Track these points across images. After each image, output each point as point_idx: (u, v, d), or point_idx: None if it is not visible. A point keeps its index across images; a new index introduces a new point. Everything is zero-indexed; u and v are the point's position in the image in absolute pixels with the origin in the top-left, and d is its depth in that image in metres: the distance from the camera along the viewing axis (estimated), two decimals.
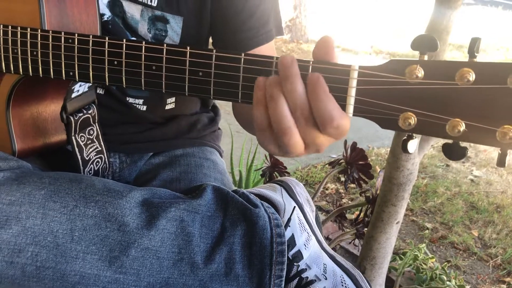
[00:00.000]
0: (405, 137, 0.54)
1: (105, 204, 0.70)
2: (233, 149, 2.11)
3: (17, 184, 0.69)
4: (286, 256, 0.71)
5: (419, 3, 8.30)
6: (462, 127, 0.48)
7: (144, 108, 0.99)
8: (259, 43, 0.92)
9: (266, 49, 0.93)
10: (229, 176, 1.06)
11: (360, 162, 1.59)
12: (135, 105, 0.98)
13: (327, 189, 2.73)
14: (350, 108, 0.54)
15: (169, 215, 0.71)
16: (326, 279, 0.75)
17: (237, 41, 0.92)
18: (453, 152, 0.51)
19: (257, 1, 0.90)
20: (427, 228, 2.45)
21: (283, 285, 0.71)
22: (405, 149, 0.53)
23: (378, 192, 1.53)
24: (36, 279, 0.67)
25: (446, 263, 1.94)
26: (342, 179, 2.58)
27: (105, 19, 0.90)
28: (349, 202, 2.57)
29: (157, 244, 0.69)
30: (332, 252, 0.81)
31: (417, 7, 8.40)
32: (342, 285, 0.74)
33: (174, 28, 0.91)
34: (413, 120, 0.51)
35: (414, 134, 0.53)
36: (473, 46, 0.48)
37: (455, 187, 2.93)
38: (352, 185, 1.78)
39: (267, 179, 1.75)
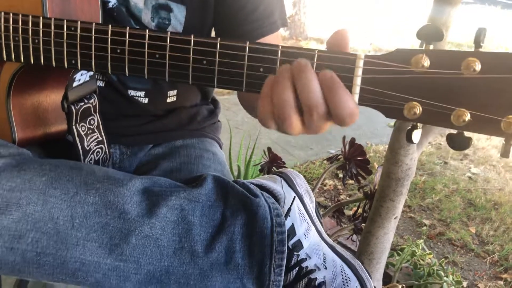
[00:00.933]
0: (409, 127, 0.54)
1: (106, 191, 0.70)
2: (232, 145, 2.12)
3: (18, 170, 0.69)
4: (286, 245, 0.71)
5: (421, 0, 8.30)
6: (467, 117, 0.48)
7: (146, 100, 0.99)
8: (264, 34, 0.92)
9: (271, 40, 0.93)
10: (228, 168, 1.06)
11: (359, 158, 1.59)
12: (136, 97, 0.98)
13: (325, 185, 2.73)
14: (356, 97, 0.54)
15: (170, 203, 0.71)
16: (326, 268, 0.75)
17: (241, 33, 0.92)
18: (457, 142, 0.51)
19: None
20: (425, 225, 2.46)
21: (283, 274, 0.71)
22: (409, 139, 0.53)
23: (376, 187, 1.54)
24: (37, 265, 0.67)
25: (443, 259, 1.95)
26: (341, 175, 2.58)
27: (110, 6, 0.90)
28: (347, 198, 2.57)
29: (158, 232, 0.69)
30: (332, 242, 0.81)
31: (416, 4, 8.40)
32: (342, 275, 0.74)
33: (178, 17, 0.92)
34: (418, 109, 0.51)
35: (418, 124, 0.53)
36: (479, 36, 0.49)
37: (453, 184, 2.94)
38: (350, 182, 1.78)
39: (265, 174, 1.75)
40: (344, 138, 1.61)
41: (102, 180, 0.71)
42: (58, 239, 0.67)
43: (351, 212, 2.02)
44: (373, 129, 3.65)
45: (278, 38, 0.96)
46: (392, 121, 2.32)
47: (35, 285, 1.10)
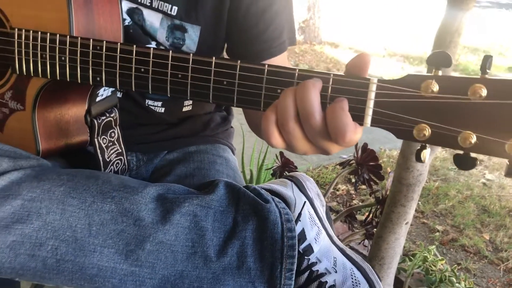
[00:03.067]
0: (418, 147, 0.56)
1: (121, 199, 0.72)
2: (245, 149, 2.13)
3: (37, 181, 0.72)
4: (297, 250, 0.73)
5: (434, 5, 8.25)
6: (473, 139, 0.51)
7: (162, 110, 1.01)
8: (272, 54, 0.95)
9: (279, 59, 0.96)
10: (240, 173, 1.08)
11: (371, 163, 1.59)
12: (153, 107, 1.00)
13: (337, 190, 2.73)
14: (368, 119, 0.57)
15: (183, 210, 0.73)
16: (336, 272, 0.76)
17: (251, 53, 0.95)
18: (463, 162, 0.53)
19: (272, 15, 0.93)
20: (438, 231, 2.45)
21: (293, 278, 0.72)
22: (418, 159, 0.56)
23: (388, 192, 1.54)
24: (56, 272, 0.70)
25: (456, 265, 1.94)
26: (353, 180, 2.59)
27: (126, 23, 0.92)
28: (360, 203, 2.57)
29: (172, 238, 0.71)
30: (342, 246, 0.82)
31: (431, 10, 8.35)
32: (352, 278, 0.75)
33: (192, 37, 0.94)
34: (427, 131, 0.54)
35: (427, 145, 0.55)
36: (485, 63, 0.51)
37: (467, 190, 2.92)
38: (363, 187, 1.78)
39: (277, 179, 1.76)
40: (356, 143, 1.61)
41: (118, 189, 0.73)
42: (77, 246, 0.70)
43: (363, 217, 2.02)
44: (386, 134, 3.62)
45: (284, 57, 0.99)
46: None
47: None
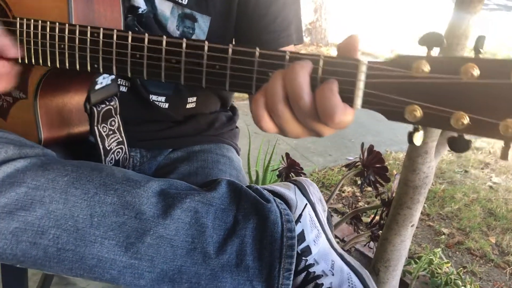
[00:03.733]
0: (411, 130, 0.55)
1: (124, 192, 0.73)
2: (251, 150, 2.14)
3: (42, 170, 0.73)
4: (296, 250, 0.73)
5: (441, 8, 8.23)
6: (466, 120, 0.50)
7: (166, 105, 1.02)
8: (279, 45, 0.96)
9: None
10: (244, 174, 1.09)
11: (377, 165, 1.59)
12: (157, 102, 1.01)
13: (343, 192, 2.73)
14: (359, 100, 0.56)
15: (184, 206, 0.73)
16: (333, 275, 0.76)
17: (259, 43, 0.95)
18: (458, 144, 0.52)
19: (280, 7, 0.95)
20: (444, 233, 2.44)
21: (292, 278, 0.73)
22: (411, 141, 0.55)
23: (393, 194, 1.54)
24: (57, 260, 0.70)
25: (461, 268, 1.94)
26: (359, 182, 2.59)
27: (140, 12, 0.94)
28: (365, 205, 2.57)
29: (172, 233, 0.72)
30: (341, 251, 0.82)
31: (438, 13, 8.33)
32: (349, 282, 0.76)
33: (202, 26, 0.95)
34: (418, 112, 0.52)
35: (420, 127, 0.54)
36: (478, 44, 0.50)
37: (473, 193, 2.91)
38: (369, 189, 1.79)
39: (283, 180, 1.77)
40: (362, 145, 1.62)
41: (121, 182, 0.74)
42: (78, 236, 0.70)
43: (368, 219, 2.02)
44: (393, 136, 3.63)
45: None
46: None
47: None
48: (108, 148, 0.89)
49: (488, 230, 2.53)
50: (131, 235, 0.71)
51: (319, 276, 0.76)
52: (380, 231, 1.62)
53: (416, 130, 0.55)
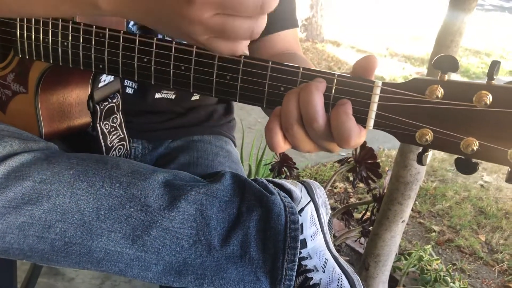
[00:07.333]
0: (420, 150, 0.56)
1: (129, 185, 0.73)
2: (244, 144, 2.14)
3: (47, 163, 0.72)
4: (299, 242, 0.73)
5: (436, 6, 8.25)
6: (476, 146, 0.51)
7: (173, 97, 1.02)
8: (284, 27, 0.95)
9: (290, 35, 0.96)
10: (242, 167, 1.09)
11: (369, 161, 1.60)
12: (165, 94, 1.01)
13: (335, 188, 2.74)
14: (371, 122, 0.57)
15: (190, 198, 0.73)
16: (324, 272, 0.77)
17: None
18: (465, 167, 0.53)
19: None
20: (434, 231, 2.46)
21: (295, 269, 0.73)
22: (420, 162, 0.56)
23: (385, 190, 1.55)
24: (64, 254, 0.70)
25: (451, 265, 1.95)
26: (351, 178, 2.60)
27: None
28: (357, 201, 2.58)
29: (177, 225, 0.72)
30: (336, 254, 0.83)
31: (433, 11, 8.35)
32: (338, 282, 0.76)
33: None
34: (429, 136, 0.53)
35: (429, 148, 0.55)
36: (493, 69, 0.50)
37: (464, 192, 2.93)
38: (361, 185, 1.79)
39: (276, 174, 1.77)
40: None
41: (126, 174, 0.74)
42: (85, 229, 0.70)
43: (360, 215, 2.03)
44: (386, 133, 3.64)
45: (296, 36, 0.99)
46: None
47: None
48: (110, 145, 0.88)
49: (478, 228, 2.55)
50: (138, 227, 0.71)
51: (309, 270, 0.76)
52: (371, 227, 1.63)
53: (425, 151, 0.56)
